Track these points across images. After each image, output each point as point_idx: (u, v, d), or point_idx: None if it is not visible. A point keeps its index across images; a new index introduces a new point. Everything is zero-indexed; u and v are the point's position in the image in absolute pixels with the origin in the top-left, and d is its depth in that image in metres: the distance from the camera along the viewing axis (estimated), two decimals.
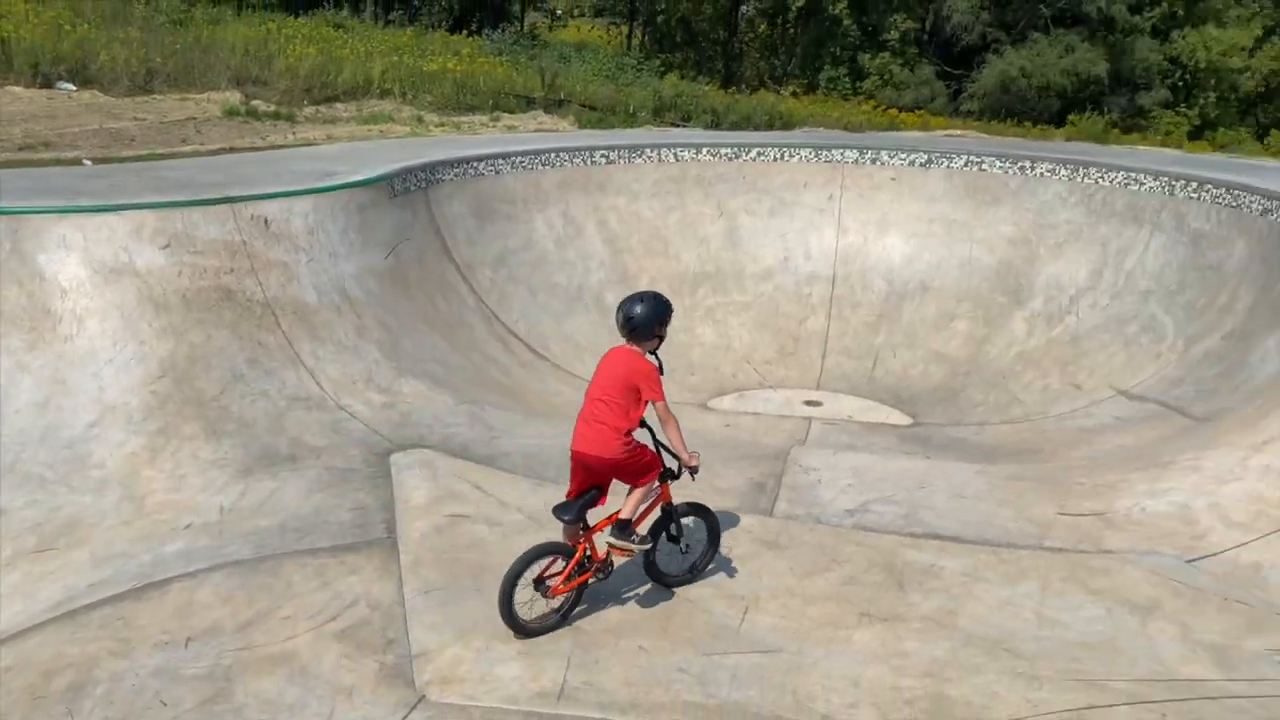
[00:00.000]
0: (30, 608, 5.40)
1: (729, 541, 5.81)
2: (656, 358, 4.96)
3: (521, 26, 38.26)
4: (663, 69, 30.16)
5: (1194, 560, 5.87)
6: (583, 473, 4.85)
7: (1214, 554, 5.92)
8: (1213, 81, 34.30)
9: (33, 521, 6.36)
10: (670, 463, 5.02)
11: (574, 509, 4.81)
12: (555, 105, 22.46)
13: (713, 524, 5.43)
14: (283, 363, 7.79)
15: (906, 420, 10.69)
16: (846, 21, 35.14)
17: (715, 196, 13.68)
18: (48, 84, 20.02)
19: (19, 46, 20.20)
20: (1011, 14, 34.87)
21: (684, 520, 5.26)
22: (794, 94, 32.19)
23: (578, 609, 4.99)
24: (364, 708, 4.31)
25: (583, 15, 42.62)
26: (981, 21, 34.79)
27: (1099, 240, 11.75)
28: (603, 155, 13.22)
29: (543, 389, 10.11)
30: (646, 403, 4.78)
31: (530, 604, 4.80)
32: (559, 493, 6.37)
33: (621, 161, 13.39)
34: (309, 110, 20.54)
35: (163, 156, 12.15)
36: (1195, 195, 10.97)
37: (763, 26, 38.84)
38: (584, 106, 22.15)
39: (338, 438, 7.16)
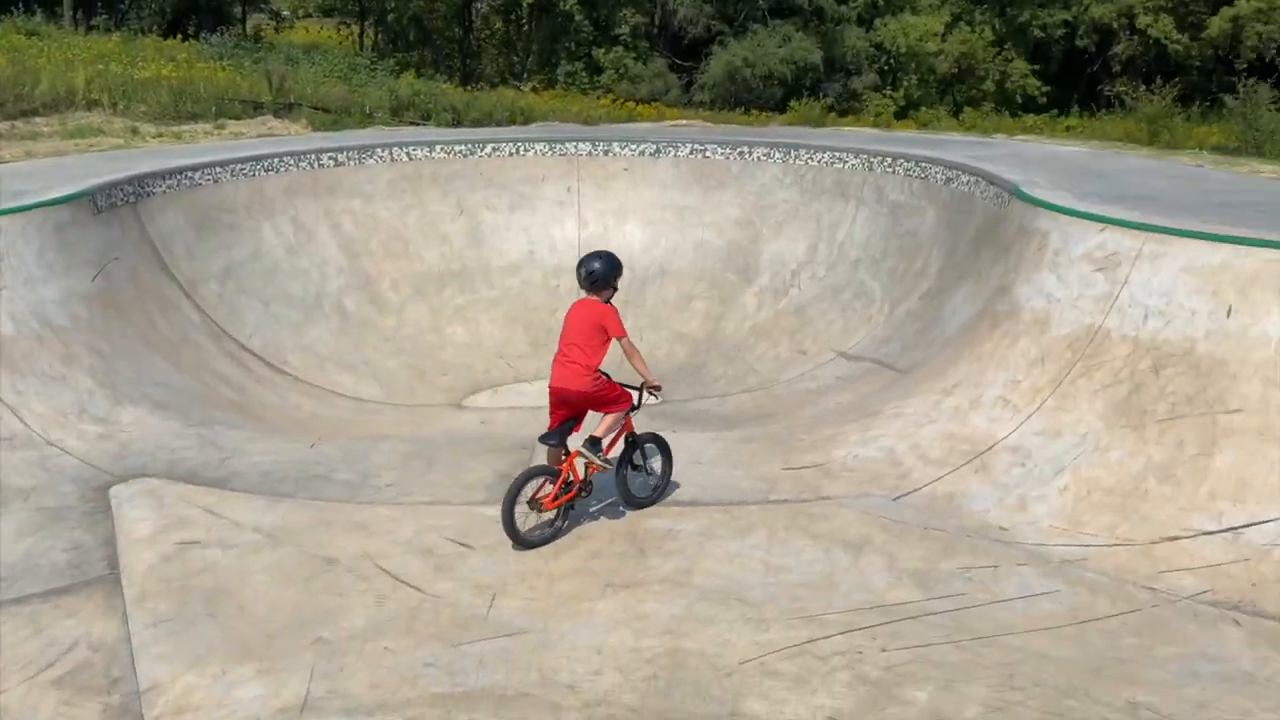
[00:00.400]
0: None
1: (476, 535, 5.87)
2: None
3: (244, 29, 36.34)
4: (398, 68, 29.54)
5: (899, 497, 6.49)
6: (561, 407, 5.83)
7: (916, 490, 6.57)
8: (913, 65, 37.48)
9: None
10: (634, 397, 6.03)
11: (555, 436, 5.81)
12: (285, 109, 21.53)
13: (668, 452, 6.42)
14: None
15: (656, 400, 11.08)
16: (578, 17, 35.73)
17: (454, 194, 13.62)
18: None
19: None
20: (732, 7, 36.68)
21: (647, 448, 6.31)
22: (534, 89, 32.42)
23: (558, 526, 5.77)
24: None
25: (310, 16, 40.96)
26: (705, 14, 36.38)
27: (813, 217, 12.64)
28: (330, 158, 12.86)
29: (281, 404, 9.75)
30: (610, 342, 5.80)
31: (525, 519, 5.67)
32: (298, 506, 6.24)
33: (352, 163, 13.08)
34: (2, 126, 18.70)
35: None
36: (891, 170, 12.01)
37: (498, 23, 38.81)
38: (316, 109, 21.37)
39: (47, 475, 6.63)
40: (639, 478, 6.33)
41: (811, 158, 13.02)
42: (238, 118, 21.39)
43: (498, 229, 13.59)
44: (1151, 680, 4.54)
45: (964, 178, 10.66)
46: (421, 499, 6.38)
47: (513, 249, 13.52)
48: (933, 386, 7.78)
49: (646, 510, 6.22)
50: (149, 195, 10.56)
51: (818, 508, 6.32)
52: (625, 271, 13.11)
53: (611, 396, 5.93)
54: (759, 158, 13.37)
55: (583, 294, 6.00)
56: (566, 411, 5.87)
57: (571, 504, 5.92)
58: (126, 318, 9.02)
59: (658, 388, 6.03)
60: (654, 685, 4.46)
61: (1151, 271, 7.01)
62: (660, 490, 6.41)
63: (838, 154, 12.75)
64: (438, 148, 13.63)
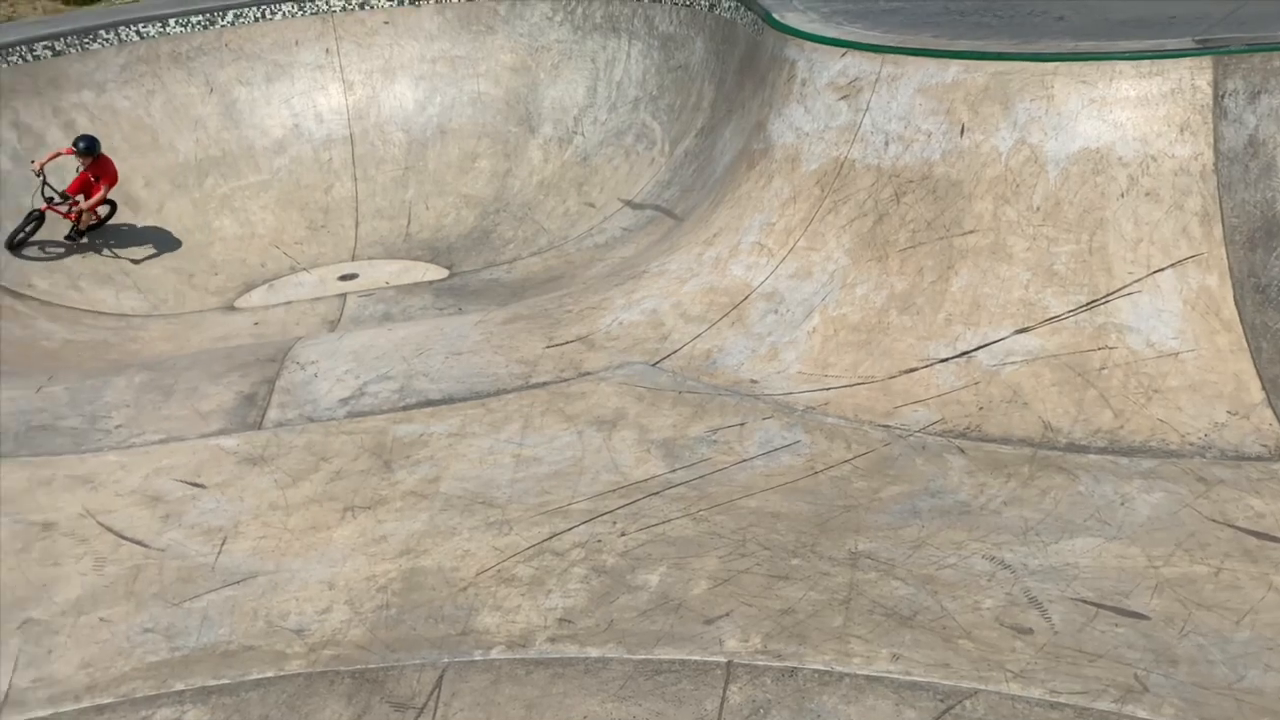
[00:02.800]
0: None
1: (210, 472, 5.54)
2: None
3: None
4: None
5: (658, 362, 6.43)
6: None
7: (675, 351, 6.52)
8: None
9: None
10: None
11: None
12: None
13: None
14: None
15: (443, 273, 10.70)
16: None
17: (200, 72, 12.43)
18: None
19: None
20: None
21: None
22: None
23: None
24: None
25: None
26: None
27: (588, 56, 12.08)
28: (46, 47, 11.46)
29: (27, 335, 8.96)
30: None
31: None
32: (15, 467, 5.69)
33: (74, 51, 11.70)
34: None
35: None
36: None
37: None
38: None
39: None
40: None
41: None
42: None
43: (255, 105, 12.54)
44: (874, 526, 4.69)
45: (726, 2, 10.26)
46: (153, 438, 5.97)
47: (275, 125, 12.54)
48: (696, 237, 7.66)
49: (394, 417, 5.97)
50: None
51: (577, 385, 6.21)
52: (401, 135, 12.44)
53: None
54: None
55: None
56: None
57: None
58: None
59: None
60: (385, 615, 4.35)
61: (890, 95, 6.93)
62: None
63: None
64: (171, 21, 12.30)
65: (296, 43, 12.77)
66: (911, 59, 6.91)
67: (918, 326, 6.14)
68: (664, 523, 4.80)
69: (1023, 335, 5.88)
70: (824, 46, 7.52)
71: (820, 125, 7.26)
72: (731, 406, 5.84)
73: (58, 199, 10.28)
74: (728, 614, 4.15)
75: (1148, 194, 6.12)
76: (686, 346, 6.56)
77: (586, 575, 4.47)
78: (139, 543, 4.99)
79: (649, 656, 3.95)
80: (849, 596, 4.20)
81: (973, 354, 5.89)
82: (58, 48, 11.57)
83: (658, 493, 5.06)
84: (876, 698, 3.67)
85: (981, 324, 6.00)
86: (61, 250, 10.49)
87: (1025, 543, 4.49)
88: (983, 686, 3.68)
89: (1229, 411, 5.25)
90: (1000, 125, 6.42)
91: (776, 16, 8.43)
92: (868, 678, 3.77)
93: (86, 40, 11.78)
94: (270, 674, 4.07)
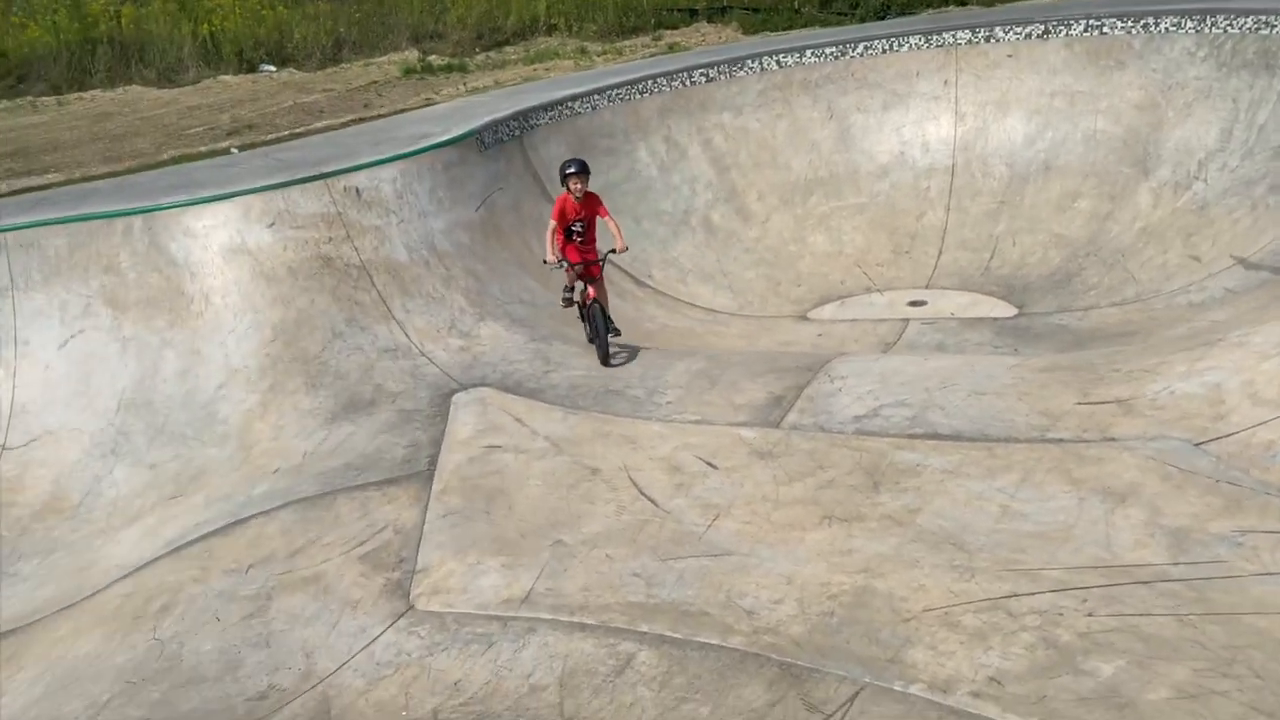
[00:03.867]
0: (155, 545, 6.64)
1: (724, 456, 6.20)
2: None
3: None
4: None
5: (1203, 443, 5.69)
6: None
7: (1228, 435, 5.71)
8: None
9: (174, 473, 7.68)
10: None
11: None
12: (718, 14, 22.40)
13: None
14: (376, 318, 8.77)
15: (1011, 312, 10.44)
16: None
17: (824, 99, 13.53)
18: (251, 68, 22.25)
19: (225, 37, 22.49)
20: None
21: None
22: None
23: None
24: (362, 618, 5.16)
25: None
26: None
27: (1230, 95, 10.79)
28: (702, 74, 13.36)
29: (635, 316, 10.64)
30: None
31: None
32: (587, 419, 7.01)
33: (723, 78, 13.48)
34: (480, 58, 21.69)
35: (325, 129, 13.50)
36: None
37: None
38: (746, 10, 21.95)
39: (413, 382, 8.05)
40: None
41: (1233, 24, 11.02)
42: (674, 27, 22.70)
43: (868, 131, 13.30)
44: None
45: None
46: (691, 417, 6.83)
47: (883, 151, 13.18)
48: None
49: (898, 442, 6.11)
50: (533, 128, 11.85)
51: (1096, 450, 5.77)
52: (1003, 169, 12.33)
53: None
54: (1166, 29, 11.59)
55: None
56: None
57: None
58: (504, 242, 10.38)
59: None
60: (827, 621, 4.57)
61: None
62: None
63: (1263, 17, 10.66)
64: (808, 52, 13.55)
65: (917, 73, 13.25)
66: None
67: None
68: (1142, 615, 4.33)
69: None
70: None
71: None
72: (1276, 509, 4.99)
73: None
74: None
75: None
76: (1244, 432, 5.70)
77: (1034, 644, 4.24)
78: (653, 501, 5.81)
79: None
80: None
81: None
82: (711, 74, 13.42)
83: (1147, 583, 4.56)
84: None
85: None
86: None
87: None
88: None
89: None
90: None
91: None
92: None
93: (735, 68, 13.48)
94: (715, 641, 4.54)
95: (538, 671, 4.53)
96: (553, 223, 8.17)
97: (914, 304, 10.96)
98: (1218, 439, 5.71)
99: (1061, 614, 4.40)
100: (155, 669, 5.11)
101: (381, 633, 5.02)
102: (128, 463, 7.86)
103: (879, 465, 5.90)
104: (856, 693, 4.11)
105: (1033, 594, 4.57)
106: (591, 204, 8.28)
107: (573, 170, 8.11)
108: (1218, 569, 4.60)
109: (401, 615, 5.13)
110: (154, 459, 7.86)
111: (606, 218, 8.30)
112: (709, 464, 6.15)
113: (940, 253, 12.12)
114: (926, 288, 11.47)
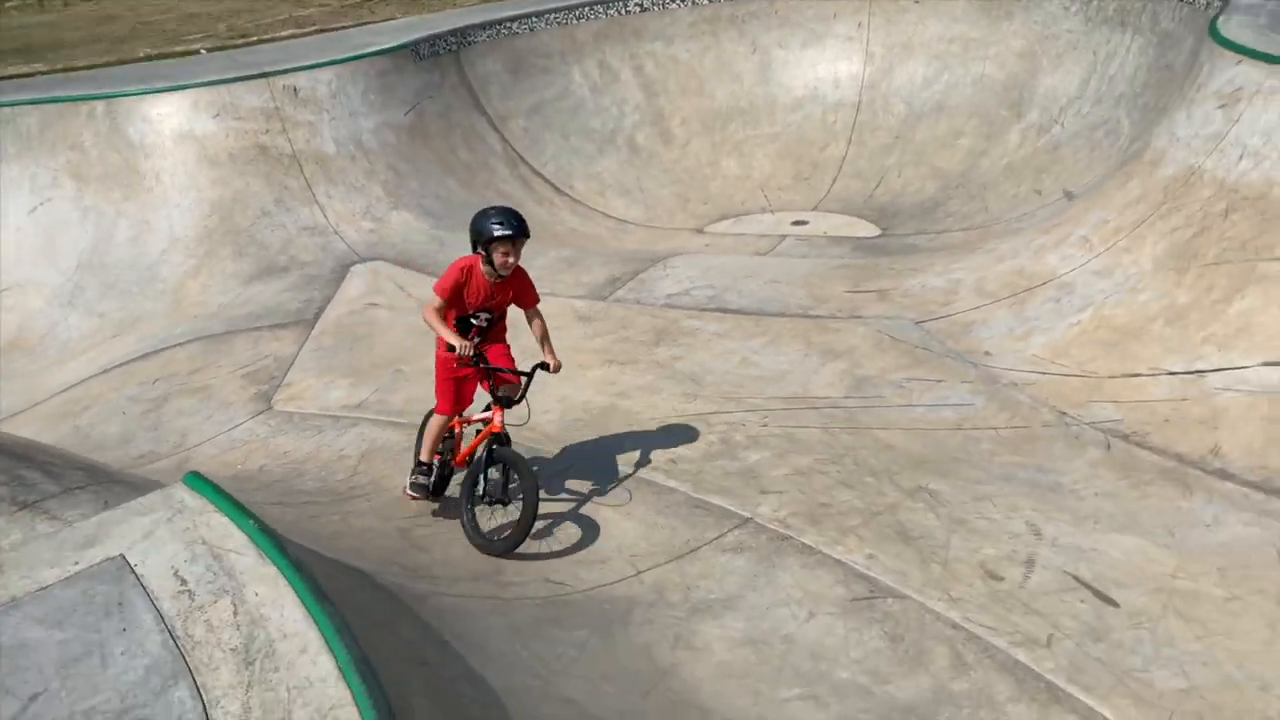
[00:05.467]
0: (90, 370, 8.09)
1: (553, 320, 7.57)
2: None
3: None
4: None
5: (923, 321, 7.05)
6: None
7: (944, 316, 7.07)
8: None
9: (117, 320, 9.10)
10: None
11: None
12: None
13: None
14: (301, 201, 10.12)
15: (875, 232, 11.73)
16: None
17: (750, 34, 14.65)
18: None
19: None
20: None
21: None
22: None
23: None
24: (231, 413, 6.61)
25: None
26: None
27: (1091, 48, 11.93)
28: (637, 4, 14.48)
29: (549, 220, 11.96)
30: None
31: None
32: None
33: (656, 9, 14.60)
34: None
35: (273, 40, 14.71)
36: None
37: None
38: None
39: (323, 255, 9.44)
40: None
41: None
42: None
43: (787, 66, 14.44)
44: (960, 476, 5.15)
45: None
46: (541, 290, 8.18)
47: (799, 86, 14.33)
48: (1041, 225, 7.90)
49: (690, 313, 7.47)
50: (470, 44, 13.05)
51: (839, 324, 7.14)
52: (902, 107, 13.41)
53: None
54: None
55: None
56: None
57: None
58: (431, 146, 11.66)
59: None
60: (574, 424, 5.99)
61: (1263, 108, 6.55)
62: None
63: None
64: None
65: (835, 15, 14.35)
66: None
67: (1173, 339, 6.01)
68: (800, 427, 5.74)
69: (1269, 369, 5.52)
70: (1225, 51, 7.18)
71: (1192, 132, 7.04)
72: (946, 367, 6.37)
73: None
74: (781, 493, 5.09)
75: None
76: (958, 315, 7.06)
77: (713, 442, 5.66)
78: None
79: (700, 496, 5.10)
80: (881, 511, 4.87)
81: (1206, 374, 5.68)
82: (645, 5, 14.54)
83: (818, 408, 5.97)
84: (826, 572, 4.45)
85: (1235, 349, 5.72)
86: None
87: (1077, 525, 4.67)
88: (915, 596, 4.26)
89: None
90: None
91: (1218, 21, 8.02)
92: (836, 559, 4.53)
93: (669, 1, 14.60)
94: None
95: (349, 448, 5.99)
96: (438, 300, 4.92)
97: (796, 223, 12.24)
98: (936, 319, 7.08)
99: (744, 424, 5.82)
100: (72, 443, 6.58)
101: (242, 422, 6.48)
102: (81, 312, 9.28)
103: (668, 329, 7.28)
104: (571, 465, 5.54)
105: (731, 413, 5.98)
106: (516, 286, 5.18)
107: (503, 233, 4.81)
108: (875, 401, 6.00)
109: (261, 412, 6.59)
110: (103, 309, 9.28)
111: (534, 309, 5.26)
112: (584, 318, 7.53)
113: (834, 180, 13.36)
114: (814, 210, 12.74)
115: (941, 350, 6.62)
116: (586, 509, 5.11)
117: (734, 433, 5.74)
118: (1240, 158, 6.48)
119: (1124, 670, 3.78)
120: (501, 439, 4.95)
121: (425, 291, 7.94)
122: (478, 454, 5.04)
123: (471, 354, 4.89)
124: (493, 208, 5.10)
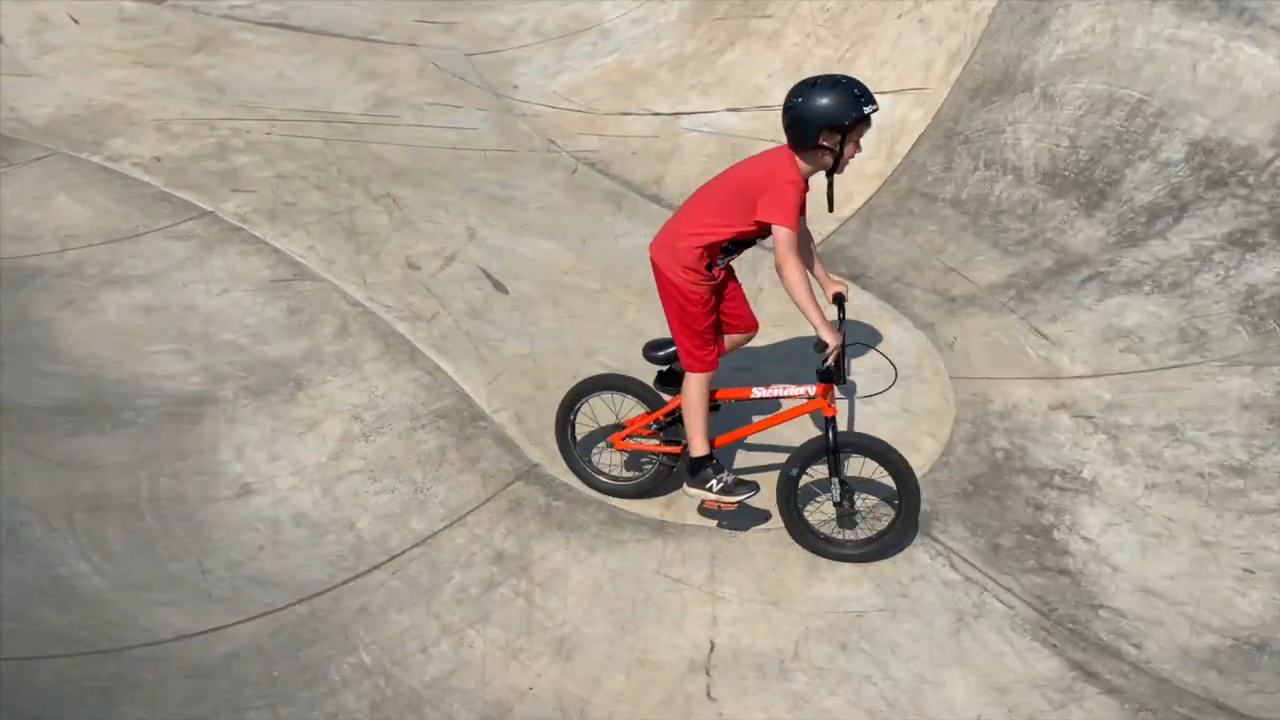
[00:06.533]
0: None
1: (94, 19, 7.14)
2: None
3: None
4: None
5: (472, 54, 7.26)
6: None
7: (496, 52, 7.31)
8: None
9: None
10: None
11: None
12: None
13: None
14: None
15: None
16: None
17: None
18: None
19: None
20: None
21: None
22: None
23: None
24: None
25: None
26: None
27: None
28: None
29: None
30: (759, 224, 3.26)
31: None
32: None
33: None
34: None
35: None
36: None
37: None
38: None
39: None
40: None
41: None
42: None
43: None
44: (432, 186, 5.56)
45: None
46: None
47: None
48: None
49: (246, 26, 7.27)
50: None
51: (393, 49, 7.21)
52: None
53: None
54: None
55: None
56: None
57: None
58: None
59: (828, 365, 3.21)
60: (57, 114, 5.83)
61: None
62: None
63: None
64: None
65: None
66: None
67: (669, 84, 6.59)
68: (304, 137, 5.91)
69: (730, 113, 6.23)
70: None
71: None
72: (471, 95, 6.68)
73: None
74: (253, 192, 5.30)
75: (920, 20, 6.09)
76: (508, 52, 7.33)
77: (208, 142, 5.72)
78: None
79: (170, 190, 5.22)
80: (340, 212, 5.20)
81: (682, 116, 6.33)
82: None
83: (330, 122, 6.13)
84: (261, 259, 4.76)
85: (712, 95, 6.38)
86: None
87: (510, 231, 5.23)
88: (333, 280, 4.65)
89: None
90: None
91: None
92: (275, 249, 4.84)
93: None
94: None
95: None
96: (794, 236, 3.22)
97: None
98: (486, 53, 7.31)
99: (249, 131, 5.90)
100: None
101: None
102: None
103: (215, 38, 7.07)
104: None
105: (241, 120, 6.03)
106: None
107: (873, 109, 3.18)
108: (389, 120, 6.25)
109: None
110: None
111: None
112: (74, 20, 7.08)
113: None
114: None
115: (477, 81, 6.89)
116: None
117: (235, 138, 5.82)
118: None
119: (480, 339, 4.41)
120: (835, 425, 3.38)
121: None
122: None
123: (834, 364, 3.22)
124: (825, 77, 3.26)
